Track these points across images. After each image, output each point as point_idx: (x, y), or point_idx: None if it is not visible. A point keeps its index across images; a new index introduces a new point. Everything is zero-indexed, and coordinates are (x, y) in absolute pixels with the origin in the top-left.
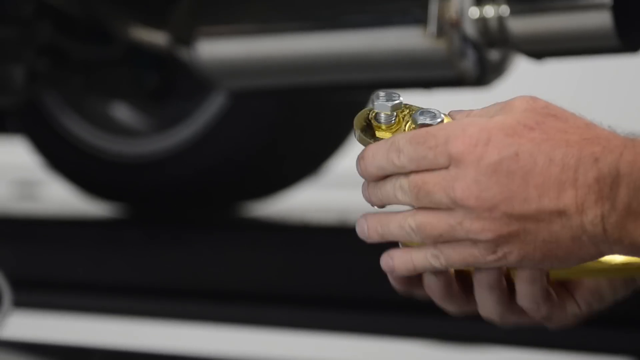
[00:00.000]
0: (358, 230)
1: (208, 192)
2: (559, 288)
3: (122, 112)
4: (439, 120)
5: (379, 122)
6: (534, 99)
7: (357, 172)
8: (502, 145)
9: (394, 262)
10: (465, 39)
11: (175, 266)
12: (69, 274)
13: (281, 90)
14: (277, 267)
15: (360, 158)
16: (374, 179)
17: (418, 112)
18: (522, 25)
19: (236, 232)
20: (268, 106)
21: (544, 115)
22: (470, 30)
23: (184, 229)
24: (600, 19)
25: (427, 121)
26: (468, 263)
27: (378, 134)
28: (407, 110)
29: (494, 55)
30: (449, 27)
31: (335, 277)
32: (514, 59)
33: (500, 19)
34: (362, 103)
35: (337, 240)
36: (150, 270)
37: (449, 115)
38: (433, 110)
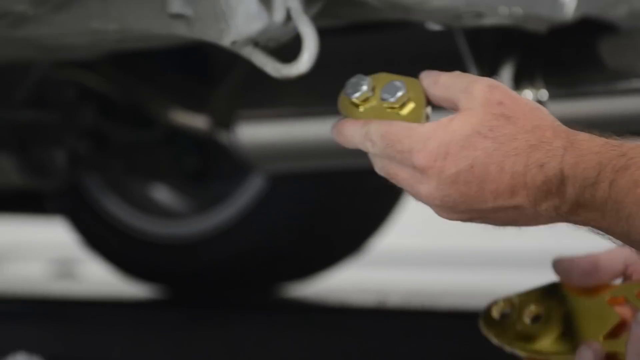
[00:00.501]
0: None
1: (246, 273)
2: None
3: (162, 194)
4: (399, 94)
5: (351, 98)
6: (491, 88)
7: (393, 251)
8: (458, 159)
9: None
10: None
11: (213, 348)
12: (106, 356)
13: (320, 173)
14: (316, 349)
15: (338, 133)
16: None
17: (383, 90)
18: (560, 109)
19: (275, 313)
20: (307, 188)
21: (497, 117)
22: None
23: (222, 310)
24: None
25: (390, 99)
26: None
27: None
28: (381, 81)
29: None
30: None
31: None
32: None
33: (539, 103)
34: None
35: (375, 323)
36: (189, 352)
37: (421, 75)
38: (396, 84)
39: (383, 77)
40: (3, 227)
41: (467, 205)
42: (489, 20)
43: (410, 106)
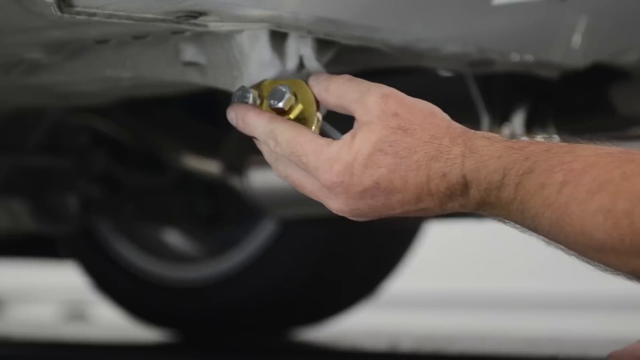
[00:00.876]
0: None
1: (257, 317)
2: None
3: (174, 238)
4: (286, 97)
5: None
6: (385, 99)
7: (405, 294)
8: (363, 177)
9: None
10: None
11: None
12: None
13: (330, 218)
14: None
15: (239, 118)
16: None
17: (269, 96)
18: None
19: (286, 357)
20: (318, 233)
21: (395, 130)
22: None
23: (233, 354)
24: None
25: (278, 105)
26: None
27: None
28: (267, 88)
29: None
30: None
31: None
32: None
33: None
34: (414, 231)
35: None
36: None
37: (310, 81)
38: (282, 89)
39: (268, 84)
40: (15, 271)
41: (376, 214)
42: (500, 67)
43: (299, 108)
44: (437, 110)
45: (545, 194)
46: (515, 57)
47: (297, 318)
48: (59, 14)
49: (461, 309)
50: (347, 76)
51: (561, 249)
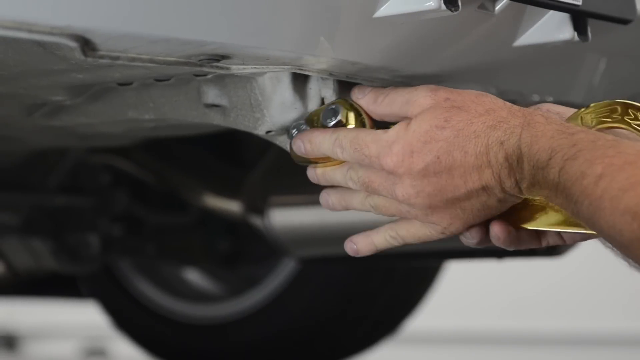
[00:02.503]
0: (322, 202)
1: (278, 355)
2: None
3: (194, 276)
4: (340, 111)
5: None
6: (434, 91)
7: (426, 331)
8: (424, 154)
9: (358, 246)
10: None
11: None
12: None
13: (351, 258)
14: None
15: (306, 141)
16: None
17: (322, 119)
18: None
19: None
20: (338, 272)
21: (449, 109)
22: None
23: None
24: None
25: (335, 121)
26: (422, 240)
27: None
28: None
29: None
30: None
31: None
32: None
33: None
34: (435, 268)
35: None
36: None
37: (355, 94)
38: (332, 107)
39: (314, 113)
40: (35, 308)
41: (442, 196)
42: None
43: (352, 118)
44: (490, 94)
45: (584, 184)
46: (535, 98)
47: (317, 356)
48: (82, 57)
49: (480, 346)
50: (391, 87)
51: (599, 238)
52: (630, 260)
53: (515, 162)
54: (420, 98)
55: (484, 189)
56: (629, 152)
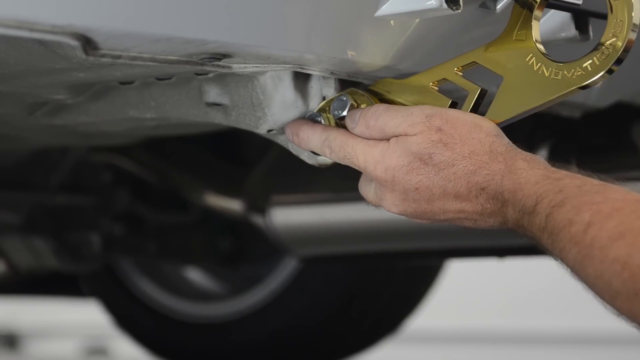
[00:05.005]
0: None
1: (279, 354)
2: None
3: (196, 275)
4: (349, 105)
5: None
6: (429, 117)
7: (426, 330)
8: (403, 182)
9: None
10: None
11: None
12: None
13: (353, 257)
14: None
15: (294, 134)
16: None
17: (332, 109)
18: None
19: None
20: (340, 270)
21: (435, 144)
22: None
23: None
24: None
25: (343, 114)
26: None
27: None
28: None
29: None
30: None
31: None
32: None
33: None
34: (436, 267)
35: None
36: None
37: (347, 124)
38: (342, 98)
39: (328, 102)
40: (36, 307)
41: (423, 216)
42: None
43: None
44: (484, 123)
45: (572, 231)
46: None
47: (318, 355)
48: (84, 56)
49: (480, 345)
50: (382, 106)
51: (583, 286)
52: (615, 311)
53: (498, 206)
54: (414, 123)
55: (467, 219)
56: (615, 198)
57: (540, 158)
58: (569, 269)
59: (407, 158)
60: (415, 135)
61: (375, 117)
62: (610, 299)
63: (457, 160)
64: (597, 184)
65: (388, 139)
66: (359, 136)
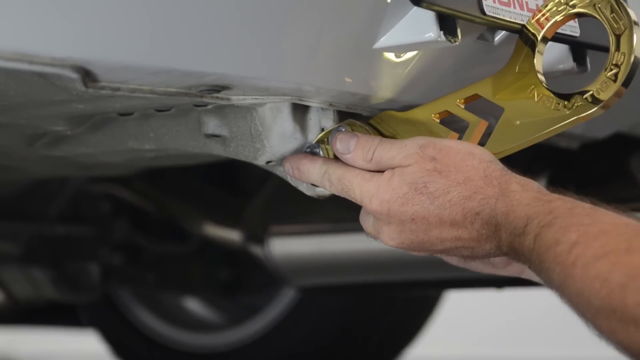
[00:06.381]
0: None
1: None
2: None
3: (195, 305)
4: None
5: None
6: (422, 148)
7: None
8: (399, 214)
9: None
10: None
11: None
12: None
13: (352, 287)
14: None
15: (294, 169)
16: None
17: (330, 140)
18: None
19: None
20: (338, 301)
21: (430, 172)
22: None
23: None
24: None
25: (338, 148)
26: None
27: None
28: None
29: None
30: None
31: None
32: None
33: None
34: (435, 298)
35: None
36: None
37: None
38: (341, 129)
39: (327, 133)
40: (36, 337)
41: (421, 248)
42: None
43: None
44: (477, 150)
45: (557, 250)
46: None
47: None
48: (83, 88)
49: None
50: (377, 140)
51: (568, 306)
52: (596, 329)
53: (492, 230)
54: (408, 155)
55: (465, 247)
56: (604, 221)
57: (534, 182)
58: (554, 289)
59: (402, 190)
60: (409, 165)
61: (370, 150)
62: (591, 317)
63: (452, 187)
64: (588, 207)
65: (383, 171)
66: (354, 166)
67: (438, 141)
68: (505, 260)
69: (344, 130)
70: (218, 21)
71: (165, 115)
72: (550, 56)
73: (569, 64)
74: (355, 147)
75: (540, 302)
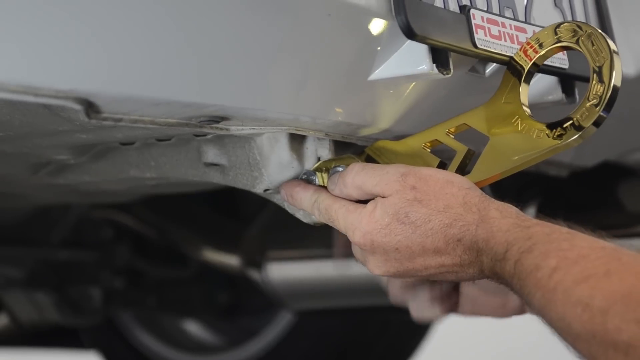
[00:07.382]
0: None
1: None
2: None
3: (194, 328)
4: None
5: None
6: (404, 176)
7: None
8: (383, 244)
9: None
10: None
11: None
12: None
13: (347, 311)
14: None
15: (288, 195)
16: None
17: (330, 174)
18: None
19: None
20: (334, 324)
21: (411, 202)
22: None
23: None
24: None
25: (329, 187)
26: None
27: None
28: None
29: None
30: None
31: None
32: None
33: None
34: (427, 325)
35: None
36: None
37: (328, 187)
38: (339, 169)
39: (325, 163)
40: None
41: (407, 275)
42: None
43: None
44: (456, 178)
45: (538, 276)
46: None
47: None
48: (86, 119)
49: None
50: (358, 165)
51: (549, 330)
52: (577, 353)
53: (474, 256)
54: (390, 181)
55: (449, 272)
56: (583, 246)
57: (512, 207)
58: (535, 313)
59: (385, 221)
60: (391, 195)
61: (353, 176)
62: (572, 341)
63: (433, 216)
64: (565, 232)
65: (366, 202)
66: (340, 197)
67: (418, 170)
68: (520, 305)
69: (341, 170)
70: (217, 55)
71: (166, 144)
72: (540, 87)
73: (558, 95)
74: (339, 177)
75: (536, 322)
